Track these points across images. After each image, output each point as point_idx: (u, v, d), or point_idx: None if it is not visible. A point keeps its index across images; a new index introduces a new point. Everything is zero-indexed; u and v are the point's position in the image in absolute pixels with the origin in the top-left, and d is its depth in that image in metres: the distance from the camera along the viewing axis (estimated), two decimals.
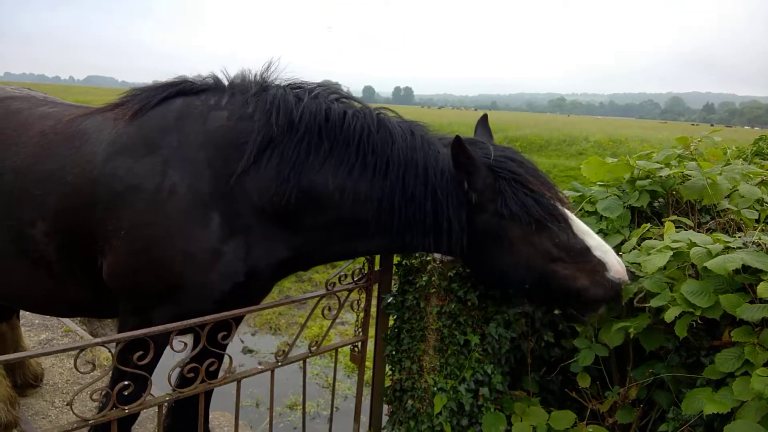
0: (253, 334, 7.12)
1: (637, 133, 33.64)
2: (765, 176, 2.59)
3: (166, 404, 2.26)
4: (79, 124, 2.38)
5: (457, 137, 2.08)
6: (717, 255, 1.83)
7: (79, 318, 5.73)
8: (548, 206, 2.10)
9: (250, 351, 6.59)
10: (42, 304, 2.62)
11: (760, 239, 1.89)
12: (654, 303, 1.94)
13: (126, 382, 1.92)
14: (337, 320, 2.55)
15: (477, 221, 2.14)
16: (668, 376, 2.16)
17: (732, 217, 2.44)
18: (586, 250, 2.09)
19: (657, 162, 2.66)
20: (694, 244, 1.94)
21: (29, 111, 2.55)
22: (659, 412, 2.28)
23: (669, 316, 1.85)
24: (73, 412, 1.80)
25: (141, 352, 1.89)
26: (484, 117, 2.47)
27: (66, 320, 5.33)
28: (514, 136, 30.91)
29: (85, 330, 5.30)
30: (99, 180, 2.19)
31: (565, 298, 2.15)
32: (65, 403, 3.92)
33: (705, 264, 1.79)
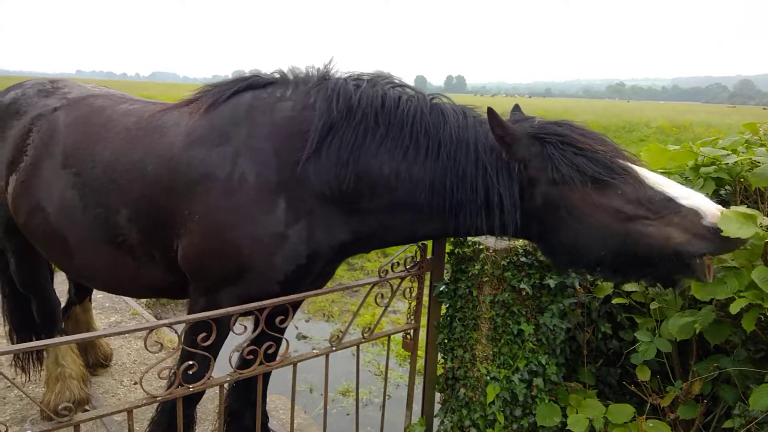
0: (307, 321, 7.27)
1: (702, 118, 32.14)
2: None
3: (227, 384, 2.37)
4: (158, 119, 2.57)
5: (489, 109, 2.03)
6: None
7: (145, 302, 6.03)
8: (603, 161, 1.95)
9: (305, 337, 6.72)
10: (124, 286, 2.82)
11: None
12: (720, 295, 1.87)
13: (190, 362, 2.02)
14: (389, 309, 2.57)
15: (535, 195, 2.06)
16: (735, 370, 2.07)
17: None
18: (669, 200, 1.88)
19: (723, 148, 2.54)
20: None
21: (112, 108, 2.77)
22: (724, 408, 2.20)
23: (734, 308, 1.78)
24: (143, 389, 1.91)
25: (204, 334, 1.98)
26: (516, 106, 2.41)
27: (132, 303, 5.62)
28: None
29: (150, 313, 5.57)
30: (176, 169, 2.36)
31: (663, 262, 1.90)
32: (133, 382, 4.14)
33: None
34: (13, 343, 3.62)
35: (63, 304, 3.94)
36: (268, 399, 3.70)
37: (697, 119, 30.92)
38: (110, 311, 5.45)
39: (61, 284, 3.70)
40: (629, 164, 1.97)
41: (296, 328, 6.97)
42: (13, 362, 3.77)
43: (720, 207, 1.84)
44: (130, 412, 1.91)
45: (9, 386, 3.90)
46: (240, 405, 3.05)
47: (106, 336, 1.88)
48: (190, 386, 2.03)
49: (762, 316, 1.86)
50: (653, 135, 26.53)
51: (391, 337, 2.77)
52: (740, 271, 1.89)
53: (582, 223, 1.98)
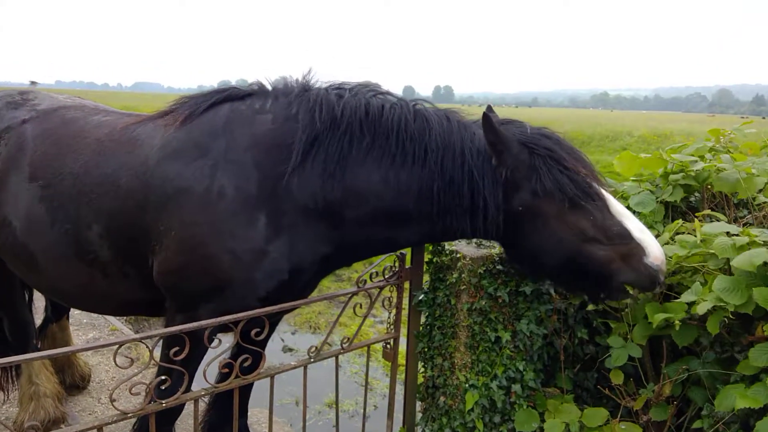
0: (293, 333, 7.24)
1: (683, 127, 32.62)
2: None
3: (204, 399, 2.35)
4: (132, 131, 2.52)
5: (485, 114, 2.11)
6: (741, 248, 1.80)
7: (125, 318, 5.96)
8: (583, 184, 2.08)
9: (290, 349, 6.70)
10: (97, 303, 2.78)
11: None
12: (684, 298, 1.91)
13: (163, 377, 2.01)
14: (376, 319, 2.58)
15: (514, 200, 2.15)
16: (703, 372, 2.11)
17: None
18: (624, 232, 2.04)
19: (690, 155, 2.60)
20: (724, 235, 1.90)
21: (84, 120, 2.72)
22: (695, 410, 2.23)
23: (701, 309, 1.82)
24: (113, 406, 1.90)
25: (177, 348, 1.97)
26: (489, 107, 2.47)
27: (112, 319, 5.55)
28: (556, 132, 30.39)
29: (131, 329, 5.52)
30: (151, 183, 2.32)
31: (598, 281, 2.10)
32: (110, 399, 4.09)
33: (732, 262, 1.76)
34: None
35: (40, 322, 3.90)
36: (250, 412, 3.68)
37: (677, 128, 31.35)
38: (88, 327, 5.39)
39: (37, 300, 3.66)
40: (602, 190, 2.11)
41: (282, 340, 6.94)
42: None
43: (662, 250, 2.03)
44: (100, 429, 1.90)
45: None
46: (220, 420, 3.02)
47: (76, 351, 1.86)
48: (163, 402, 2.02)
49: (726, 319, 1.91)
50: (635, 144, 26.85)
51: (374, 347, 2.79)
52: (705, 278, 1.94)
53: (551, 235, 2.10)
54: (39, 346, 3.68)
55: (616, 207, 2.10)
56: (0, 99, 3.04)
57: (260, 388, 3.28)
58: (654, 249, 2.00)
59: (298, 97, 2.38)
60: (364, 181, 2.24)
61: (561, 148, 2.14)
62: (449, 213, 2.22)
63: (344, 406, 5.35)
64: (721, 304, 1.83)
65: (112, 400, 1.91)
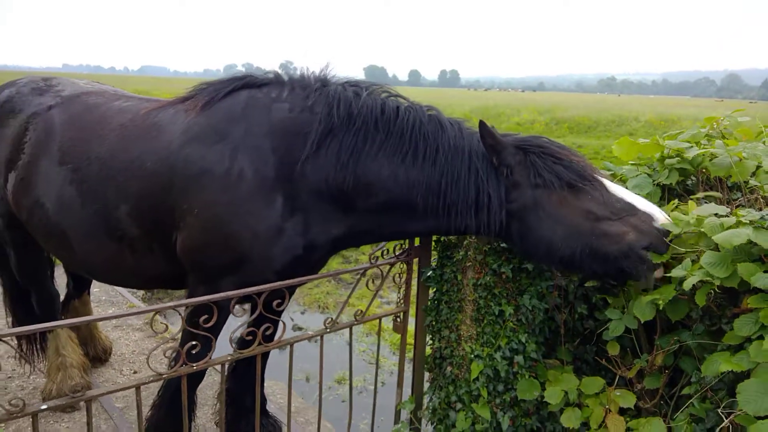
0: (302, 313, 7.45)
1: (690, 112, 32.48)
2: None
3: (227, 365, 2.53)
4: (154, 116, 2.67)
5: (481, 122, 2.29)
6: (729, 228, 1.94)
7: (141, 295, 6.18)
8: (577, 169, 2.25)
9: (300, 328, 6.90)
10: (124, 278, 2.96)
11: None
12: (674, 273, 2.06)
13: (194, 342, 2.19)
14: (382, 299, 2.75)
15: (517, 197, 2.31)
16: (693, 343, 2.26)
17: (761, 193, 2.50)
18: (628, 205, 2.19)
19: (686, 141, 2.73)
20: (713, 216, 2.05)
21: (106, 105, 2.86)
22: (686, 378, 2.39)
23: (687, 284, 1.97)
24: (149, 367, 2.07)
25: (206, 316, 2.15)
26: (481, 123, 2.51)
27: (129, 297, 5.76)
28: (562, 117, 30.37)
29: (146, 306, 5.72)
30: (175, 165, 2.48)
31: (619, 258, 2.18)
32: (132, 371, 4.30)
33: (714, 238, 1.90)
34: (17, 339, 3.75)
35: (63, 298, 4.09)
36: (265, 384, 3.88)
37: (685, 113, 31.25)
38: (107, 304, 5.60)
39: (59, 278, 3.84)
40: (600, 175, 2.26)
41: (292, 319, 7.15)
42: (17, 353, 3.91)
43: (665, 213, 2.17)
44: (138, 388, 2.07)
45: (10, 377, 4.05)
46: (239, 388, 3.21)
47: (113, 317, 2.03)
48: (194, 365, 2.20)
49: (713, 292, 2.06)
50: (642, 129, 26.83)
51: (382, 323, 2.96)
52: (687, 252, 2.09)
53: (558, 221, 2.24)
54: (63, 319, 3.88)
55: (613, 186, 2.26)
56: (25, 86, 3.18)
57: (273, 362, 3.47)
58: (659, 213, 2.16)
59: (316, 91, 2.54)
60: (375, 174, 2.41)
61: (551, 144, 2.33)
62: (454, 207, 2.38)
63: (353, 382, 5.56)
64: (708, 278, 1.97)
65: (147, 362, 2.07)
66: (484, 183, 2.33)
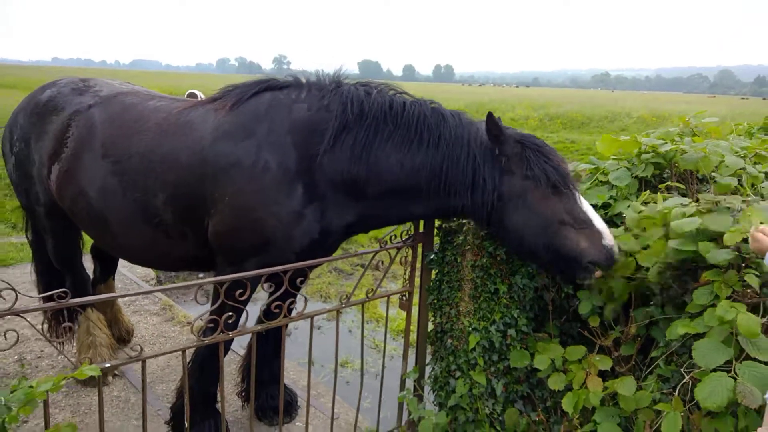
0: (305, 302, 7.78)
1: (682, 108, 32.87)
2: (749, 150, 2.98)
3: (258, 332, 2.87)
4: (186, 115, 2.98)
5: (490, 113, 2.62)
6: (690, 216, 2.28)
7: (153, 284, 6.48)
8: (563, 174, 2.58)
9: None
10: (157, 260, 3.29)
11: (727, 202, 2.33)
12: (642, 261, 2.42)
13: (230, 313, 2.51)
14: (381, 288, 3.07)
15: (507, 183, 2.64)
16: (660, 315, 2.61)
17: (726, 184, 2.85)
18: (588, 219, 2.54)
19: (661, 137, 3.08)
20: (679, 206, 2.39)
21: (142, 105, 3.17)
22: (656, 345, 2.74)
23: (652, 275, 2.33)
24: (193, 333, 2.40)
25: (241, 290, 2.47)
26: (490, 114, 2.94)
27: (144, 285, 6.08)
28: (555, 113, 30.70)
29: (162, 293, 6.04)
30: (207, 159, 2.80)
31: (569, 260, 2.56)
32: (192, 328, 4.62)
33: (671, 224, 2.25)
34: (48, 317, 4.05)
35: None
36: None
37: (677, 109, 31.63)
38: (123, 291, 5.91)
39: (85, 263, 4.15)
40: (575, 184, 2.61)
41: (296, 309, 7.48)
42: (49, 332, 4.22)
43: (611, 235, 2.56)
44: (183, 351, 2.40)
45: (39, 356, 4.36)
46: (257, 363, 3.54)
47: (159, 291, 2.34)
48: (230, 333, 2.53)
49: (669, 272, 2.41)
50: (634, 125, 27.19)
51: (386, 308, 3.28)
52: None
53: (534, 213, 2.59)
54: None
55: (582, 200, 2.62)
56: (65, 86, 3.49)
57: (287, 343, 3.80)
58: (608, 233, 2.52)
59: (331, 92, 2.86)
60: (384, 162, 2.74)
61: (546, 146, 2.66)
62: (453, 188, 2.71)
63: (357, 365, 5.88)
64: (669, 261, 2.33)
65: (191, 329, 2.39)
66: (480, 167, 2.67)
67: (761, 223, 2.09)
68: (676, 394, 2.33)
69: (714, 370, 2.09)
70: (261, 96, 2.95)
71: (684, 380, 2.31)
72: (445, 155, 2.70)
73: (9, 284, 1.87)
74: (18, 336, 2.00)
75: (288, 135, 2.80)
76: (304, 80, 2.99)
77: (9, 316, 1.87)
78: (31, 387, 1.67)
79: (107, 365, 2.18)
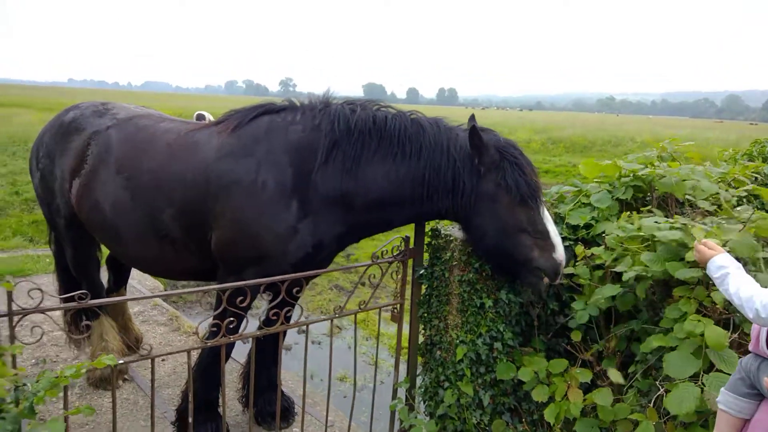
0: (306, 317, 7.92)
1: (687, 133, 33.05)
2: (729, 174, 3.15)
3: (258, 338, 3.03)
4: (192, 136, 3.20)
5: (473, 126, 2.84)
6: (668, 230, 2.45)
7: (166, 298, 6.66)
8: (534, 188, 2.80)
9: (304, 331, 7.37)
10: (165, 270, 3.49)
11: (704, 222, 2.49)
12: (619, 268, 2.57)
13: (231, 318, 2.68)
14: (376, 298, 3.24)
15: (481, 186, 2.86)
16: (640, 329, 2.75)
17: (701, 206, 3.02)
18: (545, 232, 2.78)
19: (641, 161, 3.26)
20: (654, 224, 2.56)
21: (154, 126, 3.41)
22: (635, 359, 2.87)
23: (626, 277, 2.48)
24: (198, 336, 2.57)
25: (242, 297, 2.65)
26: (472, 116, 3.15)
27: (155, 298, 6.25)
28: (558, 137, 30.90)
29: (169, 305, 6.21)
30: (210, 177, 3.00)
31: (518, 263, 2.82)
32: (161, 359, 4.76)
33: (656, 234, 2.41)
34: (67, 321, 4.24)
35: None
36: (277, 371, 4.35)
37: (682, 134, 31.81)
38: (133, 303, 6.07)
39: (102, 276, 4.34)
40: (543, 203, 2.84)
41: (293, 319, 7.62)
42: (67, 338, 4.39)
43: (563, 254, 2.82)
44: (188, 352, 2.57)
45: (55, 361, 4.54)
46: (256, 370, 3.69)
47: (173, 294, 2.54)
48: (231, 337, 2.70)
49: (652, 285, 2.56)
50: (637, 149, 27.21)
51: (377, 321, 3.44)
52: (633, 255, 2.60)
53: (498, 218, 2.83)
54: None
55: (545, 212, 2.84)
56: (87, 108, 3.76)
57: (284, 355, 3.96)
58: (560, 249, 2.76)
59: (320, 112, 3.07)
60: (371, 175, 2.94)
61: (523, 158, 2.87)
62: (436, 193, 2.93)
63: (351, 380, 6.01)
64: (644, 273, 2.48)
65: (196, 332, 2.56)
66: (460, 171, 2.89)
67: (706, 236, 2.26)
68: (651, 405, 2.46)
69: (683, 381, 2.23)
70: (260, 119, 3.17)
71: (659, 392, 2.45)
72: (426, 164, 2.91)
73: (37, 286, 2.06)
74: (43, 332, 2.17)
75: (285, 155, 3.00)
76: (298, 103, 3.21)
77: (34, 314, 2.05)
78: (56, 376, 1.85)
79: (121, 361, 2.35)
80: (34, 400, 1.75)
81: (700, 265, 2.18)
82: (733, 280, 1.81)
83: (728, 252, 2.08)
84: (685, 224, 2.49)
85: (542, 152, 26.70)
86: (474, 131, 2.82)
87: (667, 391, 2.38)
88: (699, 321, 2.22)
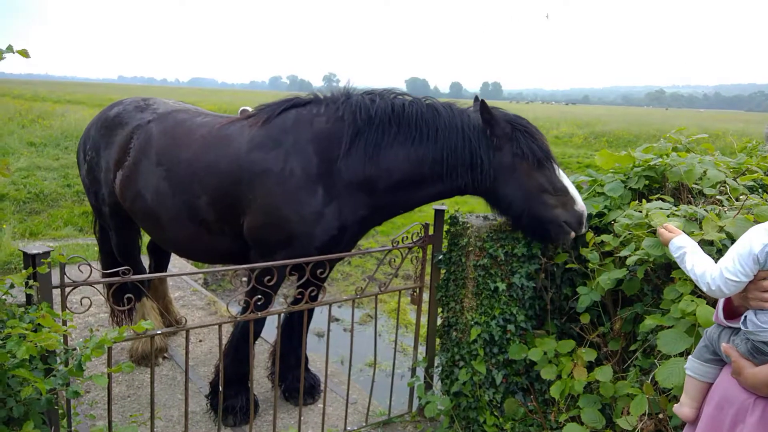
0: (339, 306, 8.19)
1: (738, 126, 31.92)
2: (744, 165, 3.21)
3: (283, 314, 3.28)
4: (226, 129, 3.47)
5: (482, 101, 3.08)
6: (668, 216, 2.56)
7: (201, 283, 7.03)
8: (546, 151, 3.03)
9: (337, 320, 7.64)
10: (201, 253, 3.77)
11: (706, 209, 2.59)
12: (623, 253, 2.70)
13: (259, 296, 2.93)
14: (392, 289, 3.44)
15: (499, 158, 3.08)
16: (642, 312, 2.87)
17: (708, 194, 3.10)
18: (564, 189, 2.99)
19: (656, 153, 3.35)
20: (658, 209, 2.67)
21: (191, 120, 3.69)
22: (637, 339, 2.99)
23: (630, 260, 2.61)
24: (228, 312, 2.84)
25: (269, 277, 2.90)
26: (476, 98, 3.34)
27: (192, 283, 6.62)
28: (601, 131, 30.31)
29: (207, 290, 6.57)
30: (242, 166, 3.27)
31: (546, 222, 3.01)
32: (198, 339, 5.09)
33: (652, 223, 2.53)
34: (111, 300, 4.57)
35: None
36: (306, 355, 4.61)
37: (733, 128, 30.71)
38: (174, 288, 6.43)
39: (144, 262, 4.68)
40: (556, 163, 3.03)
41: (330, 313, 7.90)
42: (111, 317, 4.74)
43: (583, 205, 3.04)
44: (219, 326, 2.83)
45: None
46: (285, 349, 3.91)
47: (205, 272, 2.80)
48: (258, 313, 2.95)
49: (649, 269, 2.67)
50: (691, 143, 26.49)
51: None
52: (636, 239, 2.72)
53: (521, 184, 3.04)
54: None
55: (559, 171, 3.05)
56: (129, 104, 4.07)
57: (311, 345, 4.20)
58: (580, 200, 2.96)
59: (343, 104, 3.30)
60: (393, 159, 3.16)
61: (532, 126, 3.10)
62: (455, 171, 3.14)
63: (382, 366, 6.23)
64: (646, 257, 2.60)
65: (227, 307, 2.82)
66: (476, 149, 3.09)
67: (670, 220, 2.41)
68: (648, 381, 2.59)
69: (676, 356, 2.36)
70: (288, 112, 3.41)
71: (656, 369, 2.58)
72: (444, 144, 3.13)
73: (86, 260, 2.35)
74: (90, 303, 2.46)
75: (310, 144, 3.24)
76: (322, 96, 3.44)
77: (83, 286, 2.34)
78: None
79: (159, 332, 2.64)
80: (81, 359, 2.02)
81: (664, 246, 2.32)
82: (690, 258, 1.96)
83: (721, 235, 2.20)
84: (674, 212, 2.60)
85: (584, 147, 26.26)
86: (484, 106, 3.07)
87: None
88: (693, 301, 2.34)
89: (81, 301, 2.44)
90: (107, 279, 2.50)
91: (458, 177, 3.15)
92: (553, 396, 2.98)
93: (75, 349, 2.12)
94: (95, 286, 2.44)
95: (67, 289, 2.38)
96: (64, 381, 2.06)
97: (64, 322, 2.17)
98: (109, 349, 2.34)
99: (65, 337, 2.28)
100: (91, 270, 2.36)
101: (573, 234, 3.02)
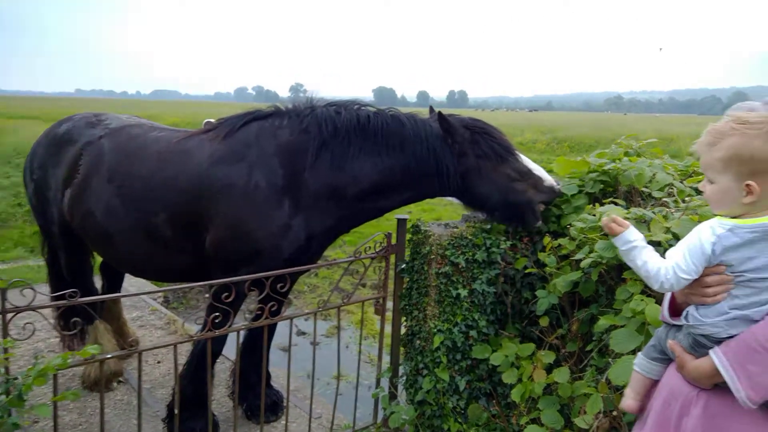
0: (306, 320, 8.10)
1: (691, 130, 33.04)
2: (688, 168, 3.31)
3: (242, 331, 3.22)
4: (184, 144, 3.42)
5: (439, 112, 3.22)
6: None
7: (160, 301, 6.87)
8: (506, 146, 3.16)
9: (303, 333, 7.55)
10: (156, 272, 3.68)
11: (654, 211, 2.66)
12: (577, 257, 2.75)
13: (217, 314, 2.87)
14: (355, 301, 3.44)
15: (464, 164, 3.18)
16: (597, 313, 2.92)
17: (656, 197, 3.18)
18: (529, 171, 3.14)
19: (609, 157, 3.44)
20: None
21: (144, 135, 3.62)
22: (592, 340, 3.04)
23: (584, 263, 2.65)
24: (184, 331, 2.77)
25: (227, 293, 2.84)
26: (431, 108, 3.51)
27: (150, 302, 6.46)
28: (564, 136, 31.05)
29: (166, 309, 6.42)
30: (204, 181, 3.22)
31: (523, 206, 3.13)
32: (156, 360, 4.95)
33: (601, 224, 2.58)
34: (59, 323, 4.39)
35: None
36: (269, 371, 4.53)
37: (686, 131, 31.80)
38: (131, 309, 6.24)
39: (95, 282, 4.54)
40: (517, 151, 3.17)
41: (296, 326, 7.80)
42: (61, 342, 4.58)
43: (550, 177, 3.22)
44: (175, 346, 2.76)
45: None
46: (246, 367, 3.83)
47: (158, 292, 2.73)
48: (216, 331, 2.89)
49: (604, 272, 2.73)
50: (642, 147, 27.34)
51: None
52: (590, 242, 2.77)
53: (491, 181, 3.15)
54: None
55: (522, 157, 3.20)
56: (80, 120, 3.97)
57: (274, 359, 4.12)
58: (546, 175, 3.13)
59: (307, 116, 3.28)
60: (359, 169, 3.19)
61: (488, 126, 3.22)
62: (423, 179, 3.24)
63: (349, 378, 6.18)
64: (599, 259, 2.65)
65: (180, 328, 2.76)
66: (441, 157, 3.18)
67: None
68: (603, 380, 2.63)
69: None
70: (249, 125, 3.38)
71: (610, 368, 2.62)
72: (409, 155, 3.20)
73: (29, 284, 2.26)
74: (34, 329, 2.36)
75: (275, 157, 3.21)
76: (284, 108, 3.42)
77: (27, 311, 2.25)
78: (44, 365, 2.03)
79: (107, 356, 2.55)
80: (22, 389, 1.94)
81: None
82: (641, 253, 1.90)
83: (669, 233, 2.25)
84: (626, 215, 2.66)
85: (547, 152, 26.84)
86: (441, 117, 3.18)
87: None
88: (642, 300, 2.39)
89: (25, 326, 2.34)
90: (53, 303, 2.41)
91: (426, 184, 3.26)
92: (514, 399, 3.00)
93: (17, 378, 2.04)
94: (40, 311, 2.34)
95: (9, 315, 2.28)
96: (3, 412, 1.97)
97: (5, 350, 2.09)
98: (54, 376, 2.24)
99: (6, 366, 2.18)
100: (35, 294, 2.26)
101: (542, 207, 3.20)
